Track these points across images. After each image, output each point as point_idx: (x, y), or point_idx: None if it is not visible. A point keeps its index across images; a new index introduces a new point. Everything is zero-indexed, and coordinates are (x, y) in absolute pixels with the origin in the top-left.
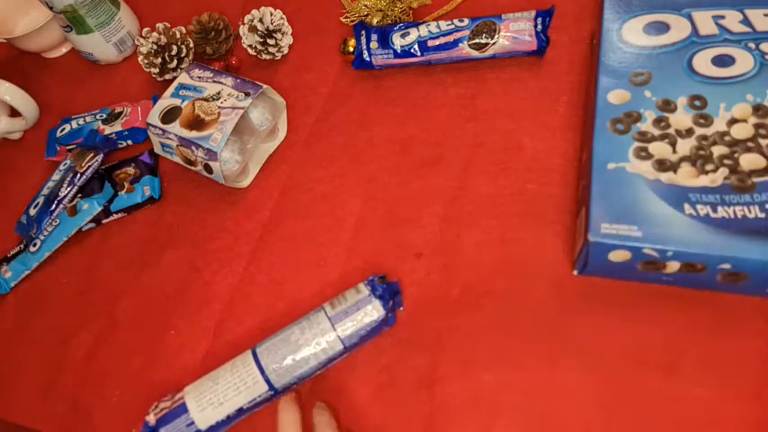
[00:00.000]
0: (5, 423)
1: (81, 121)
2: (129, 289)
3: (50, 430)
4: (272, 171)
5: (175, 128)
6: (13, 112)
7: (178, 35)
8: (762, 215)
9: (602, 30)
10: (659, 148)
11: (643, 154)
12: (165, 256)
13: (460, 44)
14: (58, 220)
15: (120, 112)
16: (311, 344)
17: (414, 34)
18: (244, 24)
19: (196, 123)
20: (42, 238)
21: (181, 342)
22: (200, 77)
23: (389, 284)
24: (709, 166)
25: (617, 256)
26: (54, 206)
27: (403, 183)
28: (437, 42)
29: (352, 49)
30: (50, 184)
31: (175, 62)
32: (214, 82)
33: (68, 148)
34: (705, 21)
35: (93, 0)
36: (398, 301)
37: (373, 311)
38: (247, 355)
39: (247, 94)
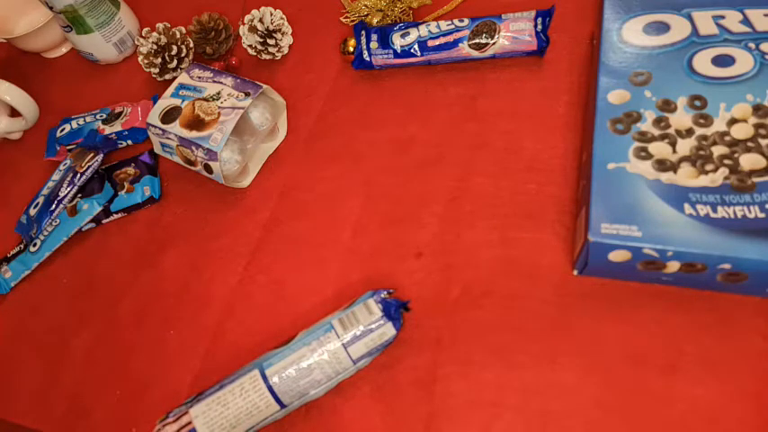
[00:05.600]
0: (5, 423)
1: (81, 121)
2: (129, 289)
3: (50, 430)
4: (272, 171)
5: (175, 128)
6: (13, 112)
7: (178, 35)
8: (762, 215)
9: (602, 30)
10: (659, 148)
11: (643, 154)
12: (165, 256)
13: (460, 44)
14: (58, 220)
15: (120, 112)
16: (325, 368)
17: (414, 34)
18: (244, 24)
19: (196, 123)
20: (42, 238)
21: (181, 342)
22: (200, 77)
23: (398, 302)
24: (709, 166)
25: (617, 256)
26: (54, 206)
27: (403, 183)
28: (437, 42)
29: (352, 49)
30: (50, 184)
31: (175, 62)
32: (214, 82)
33: (68, 148)
34: (705, 21)
35: (93, 0)
36: (405, 308)
37: (386, 333)
38: (256, 377)
39: (247, 94)
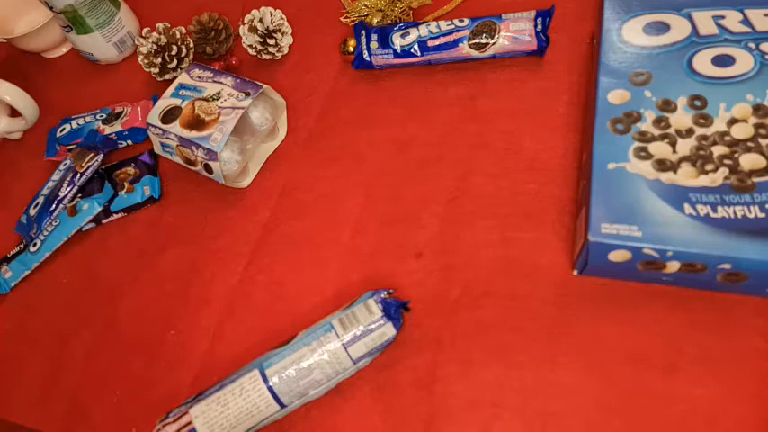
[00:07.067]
0: (5, 423)
1: (81, 121)
2: (129, 289)
3: (50, 430)
4: (272, 171)
5: (175, 128)
6: (13, 112)
7: (178, 35)
8: (762, 215)
9: (602, 30)
10: (659, 148)
11: (643, 154)
12: (165, 256)
13: (460, 44)
14: (58, 220)
15: (120, 112)
16: (325, 368)
17: (414, 34)
18: (244, 24)
19: (196, 123)
20: (42, 238)
21: (181, 342)
22: (200, 77)
23: (398, 302)
24: (709, 166)
25: (617, 256)
26: (54, 206)
27: (403, 183)
28: (437, 42)
29: (352, 49)
30: (50, 184)
31: (175, 62)
32: (214, 82)
33: (68, 148)
34: (705, 21)
35: (93, 0)
36: (405, 308)
37: (386, 333)
38: (256, 377)
39: (247, 94)
